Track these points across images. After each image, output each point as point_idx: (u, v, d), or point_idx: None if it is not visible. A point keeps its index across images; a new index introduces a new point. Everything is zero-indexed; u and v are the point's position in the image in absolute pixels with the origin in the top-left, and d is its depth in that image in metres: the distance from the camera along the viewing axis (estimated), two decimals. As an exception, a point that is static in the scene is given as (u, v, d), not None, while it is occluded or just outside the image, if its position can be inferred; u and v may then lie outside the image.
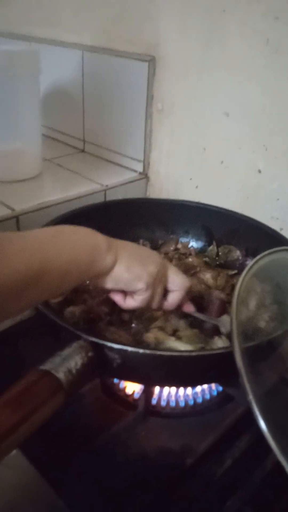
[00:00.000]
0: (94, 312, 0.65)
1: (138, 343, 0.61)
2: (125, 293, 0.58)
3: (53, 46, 1.16)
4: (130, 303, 0.58)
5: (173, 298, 0.60)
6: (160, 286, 0.58)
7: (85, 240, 0.50)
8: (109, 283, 0.54)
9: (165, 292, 0.60)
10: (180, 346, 0.60)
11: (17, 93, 0.94)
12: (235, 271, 0.77)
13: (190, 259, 0.78)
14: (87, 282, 0.62)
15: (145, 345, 0.60)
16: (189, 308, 0.64)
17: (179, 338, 0.62)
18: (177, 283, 0.60)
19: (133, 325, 0.65)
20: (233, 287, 0.71)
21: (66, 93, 1.19)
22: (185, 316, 0.65)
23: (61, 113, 1.24)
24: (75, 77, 1.14)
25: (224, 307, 0.66)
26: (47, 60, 1.06)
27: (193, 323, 0.65)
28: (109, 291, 0.58)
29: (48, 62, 1.08)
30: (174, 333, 0.64)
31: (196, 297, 0.67)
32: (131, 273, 0.53)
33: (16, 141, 0.99)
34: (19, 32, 1.29)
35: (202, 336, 0.63)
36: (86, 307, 0.66)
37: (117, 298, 0.59)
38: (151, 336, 0.62)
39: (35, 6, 1.21)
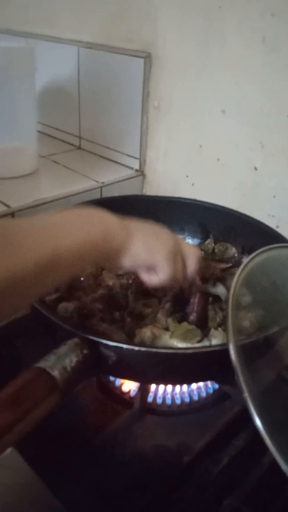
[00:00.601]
0: (87, 308, 0.65)
1: (131, 339, 0.61)
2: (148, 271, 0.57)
3: (49, 42, 1.16)
4: (154, 280, 0.57)
5: (189, 268, 0.59)
6: (179, 259, 0.57)
7: (95, 219, 0.49)
8: (127, 262, 0.53)
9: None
10: (177, 343, 0.60)
11: (12, 90, 0.93)
12: (228, 265, 0.77)
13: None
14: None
15: (141, 342, 0.59)
16: (197, 282, 0.65)
17: (174, 335, 0.62)
18: (191, 253, 0.59)
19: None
20: (217, 280, 0.71)
21: (62, 90, 1.18)
22: (172, 313, 0.65)
23: (57, 110, 1.23)
24: (71, 73, 1.13)
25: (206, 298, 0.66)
26: (43, 56, 1.06)
27: (180, 319, 0.65)
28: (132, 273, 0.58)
29: (44, 59, 1.08)
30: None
31: (177, 292, 0.67)
32: (147, 248, 0.53)
33: (12, 138, 0.99)
34: (16, 29, 1.29)
35: (195, 330, 0.62)
36: (80, 303, 0.65)
37: (142, 275, 0.57)
38: (147, 331, 0.61)
39: (33, 5, 1.21)
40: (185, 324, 0.62)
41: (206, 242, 0.82)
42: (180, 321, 0.64)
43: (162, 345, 0.60)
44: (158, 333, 0.61)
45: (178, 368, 0.54)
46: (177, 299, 0.66)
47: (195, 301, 0.65)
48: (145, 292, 0.68)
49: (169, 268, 0.55)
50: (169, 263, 0.55)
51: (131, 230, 0.52)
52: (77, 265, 0.46)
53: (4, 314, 0.40)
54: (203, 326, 0.63)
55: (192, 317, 0.64)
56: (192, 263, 0.59)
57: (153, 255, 0.54)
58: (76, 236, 0.45)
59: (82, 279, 0.70)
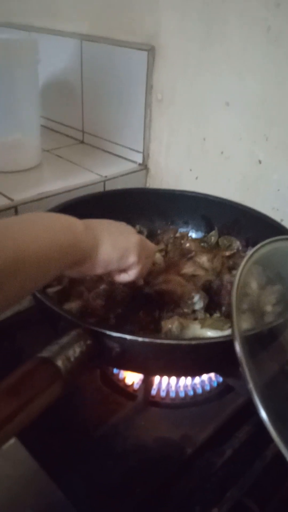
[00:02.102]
0: (90, 306, 0.64)
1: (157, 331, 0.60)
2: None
3: (52, 35, 1.15)
4: (124, 277, 0.56)
5: (147, 265, 0.59)
6: (144, 254, 0.56)
7: (59, 222, 0.47)
8: (99, 268, 0.51)
9: None
10: (208, 333, 0.59)
11: (15, 83, 0.93)
12: (233, 251, 0.76)
13: (187, 244, 0.77)
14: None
15: (168, 333, 0.59)
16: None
17: (205, 325, 0.61)
18: (151, 249, 0.59)
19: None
20: (229, 269, 0.71)
21: (65, 84, 1.18)
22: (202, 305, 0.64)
23: (60, 104, 1.23)
24: (74, 67, 1.13)
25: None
26: (46, 49, 1.04)
27: (208, 308, 0.64)
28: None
29: (47, 52, 1.07)
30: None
31: (205, 284, 0.66)
32: (118, 250, 0.52)
33: (15, 132, 0.98)
34: (18, 22, 1.28)
35: (224, 319, 0.62)
36: (83, 302, 0.65)
37: (112, 277, 0.57)
38: (174, 321, 0.60)
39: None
40: (215, 316, 0.63)
41: (210, 234, 0.82)
42: (208, 312, 0.63)
43: (191, 335, 0.59)
44: (186, 323, 0.61)
45: (182, 360, 0.54)
46: (204, 290, 0.65)
47: (227, 291, 0.64)
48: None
49: (139, 266, 0.55)
50: (140, 262, 0.55)
51: (97, 231, 0.50)
52: (42, 271, 0.43)
53: None
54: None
55: (225, 308, 0.63)
56: (149, 262, 0.60)
57: (126, 259, 0.53)
58: (42, 239, 0.43)
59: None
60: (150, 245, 0.60)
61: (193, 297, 0.63)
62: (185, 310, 0.62)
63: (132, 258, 0.53)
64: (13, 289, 0.40)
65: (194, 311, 0.62)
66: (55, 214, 0.49)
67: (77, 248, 0.47)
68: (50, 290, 0.66)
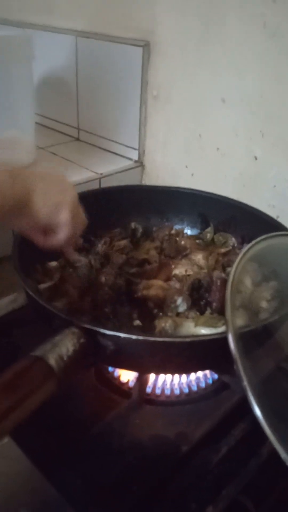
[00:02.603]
0: (76, 305, 0.64)
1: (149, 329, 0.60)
2: (44, 232, 0.52)
3: (47, 32, 1.15)
4: (53, 240, 0.52)
5: (78, 229, 0.54)
6: (79, 213, 0.52)
7: None
8: (26, 219, 0.48)
9: None
10: (203, 331, 0.59)
11: (10, 80, 0.92)
12: (228, 248, 0.76)
13: (182, 242, 0.77)
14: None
15: (161, 331, 0.58)
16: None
17: (198, 323, 0.60)
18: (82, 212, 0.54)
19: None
20: (223, 266, 0.71)
21: (60, 81, 1.17)
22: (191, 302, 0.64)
23: (55, 101, 1.22)
24: (69, 64, 1.12)
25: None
26: (41, 46, 1.04)
27: (201, 308, 0.64)
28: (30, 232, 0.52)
29: (42, 49, 1.07)
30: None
31: (195, 282, 0.66)
32: (50, 203, 0.48)
33: (9, 129, 0.98)
34: (13, 18, 1.27)
35: (218, 316, 0.61)
36: (69, 299, 0.64)
37: (37, 238, 0.52)
38: (168, 320, 0.60)
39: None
40: (207, 313, 0.62)
41: (206, 230, 0.81)
42: (199, 310, 0.63)
43: (185, 333, 0.59)
44: (179, 321, 0.60)
45: (177, 357, 0.53)
46: (194, 287, 0.65)
47: (217, 288, 0.64)
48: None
49: (71, 226, 0.50)
50: (72, 221, 0.50)
51: (29, 182, 0.47)
52: None
53: None
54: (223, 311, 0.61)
55: (215, 304, 0.63)
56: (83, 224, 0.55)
57: (56, 212, 0.49)
58: None
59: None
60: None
61: (175, 300, 0.63)
62: (169, 314, 0.62)
63: (64, 215, 0.49)
64: None
65: (178, 314, 0.62)
66: None
67: (6, 206, 0.45)
68: (42, 286, 0.65)
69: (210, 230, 0.81)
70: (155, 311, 0.63)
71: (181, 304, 0.63)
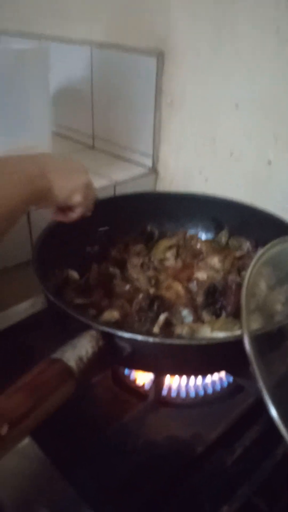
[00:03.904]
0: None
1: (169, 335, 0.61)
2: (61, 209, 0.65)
3: (63, 43, 1.17)
4: (72, 216, 0.65)
5: (90, 204, 0.67)
6: (91, 191, 0.65)
7: (21, 174, 0.55)
8: (47, 202, 0.59)
9: None
10: (220, 335, 0.60)
11: (27, 91, 0.94)
12: (243, 252, 0.77)
13: (198, 245, 0.78)
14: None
15: (178, 336, 0.60)
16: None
17: (215, 328, 0.62)
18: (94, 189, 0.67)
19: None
20: (239, 270, 0.71)
21: (76, 90, 1.20)
22: (205, 306, 0.65)
23: (71, 110, 1.25)
24: (84, 73, 1.14)
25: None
26: (57, 57, 1.06)
27: (215, 311, 0.65)
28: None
29: (58, 59, 1.09)
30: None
31: (210, 286, 0.67)
32: (67, 189, 0.59)
33: (27, 138, 1.00)
34: (29, 30, 1.30)
35: (234, 320, 0.62)
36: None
37: (60, 217, 0.66)
38: (185, 327, 0.62)
39: (45, 4, 1.22)
40: (223, 317, 0.63)
41: (220, 234, 0.82)
42: (215, 313, 0.64)
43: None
44: (196, 327, 0.62)
45: (192, 360, 0.54)
46: (210, 291, 0.66)
47: (232, 292, 0.65)
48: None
49: (84, 205, 0.63)
50: (85, 200, 0.63)
51: (51, 176, 0.57)
52: (11, 220, 0.54)
53: None
54: (238, 314, 0.62)
55: (230, 308, 0.64)
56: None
57: (72, 195, 0.60)
58: (10, 197, 0.52)
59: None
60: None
61: (181, 311, 0.65)
62: (174, 321, 0.63)
63: (78, 197, 0.61)
64: None
65: (182, 323, 0.63)
66: (14, 161, 0.56)
67: (35, 195, 0.56)
68: (77, 301, 0.67)
69: (224, 234, 0.82)
70: (163, 315, 0.64)
71: (186, 315, 0.65)
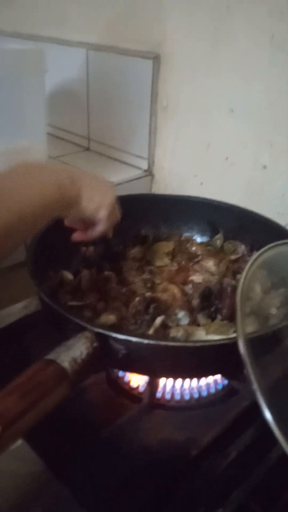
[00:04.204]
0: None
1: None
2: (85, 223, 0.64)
3: (59, 45, 1.17)
4: (93, 232, 0.64)
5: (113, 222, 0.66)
6: (116, 209, 0.64)
7: (50, 180, 0.55)
8: (74, 214, 0.60)
9: None
10: (215, 338, 0.60)
11: (22, 92, 0.94)
12: (238, 255, 0.77)
13: (193, 248, 0.78)
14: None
15: (173, 339, 0.60)
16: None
17: (210, 331, 0.62)
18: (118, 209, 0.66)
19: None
20: (234, 273, 0.72)
21: (71, 92, 1.20)
22: (201, 309, 0.66)
23: (67, 112, 1.25)
24: (80, 75, 1.15)
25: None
26: (53, 59, 1.06)
27: (210, 314, 0.65)
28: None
29: (54, 61, 1.09)
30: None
31: (206, 289, 0.67)
32: (93, 203, 0.59)
33: (22, 139, 1.00)
34: (25, 32, 1.31)
35: (229, 323, 0.63)
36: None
37: (81, 236, 0.66)
38: (180, 329, 0.62)
39: (41, 6, 1.23)
40: (218, 320, 0.63)
41: (215, 237, 0.82)
42: (210, 316, 0.64)
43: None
44: (191, 330, 0.62)
45: (187, 362, 0.54)
46: (205, 294, 0.66)
47: (227, 295, 0.65)
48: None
49: (107, 223, 0.63)
50: (109, 218, 0.62)
51: (81, 186, 0.57)
52: (36, 225, 0.54)
53: None
54: (233, 318, 0.62)
55: (225, 311, 0.64)
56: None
57: (97, 211, 0.60)
58: (37, 201, 0.52)
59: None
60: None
61: (177, 314, 0.64)
62: (170, 324, 0.63)
63: (103, 213, 0.61)
64: (15, 241, 0.51)
65: (178, 325, 0.63)
66: (45, 168, 0.57)
67: (63, 202, 0.56)
68: (71, 303, 0.66)
69: (219, 237, 0.82)
70: (160, 318, 0.64)
71: (182, 317, 0.65)
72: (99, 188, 0.60)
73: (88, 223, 0.63)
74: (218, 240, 0.82)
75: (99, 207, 0.60)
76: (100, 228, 0.63)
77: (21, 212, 0.49)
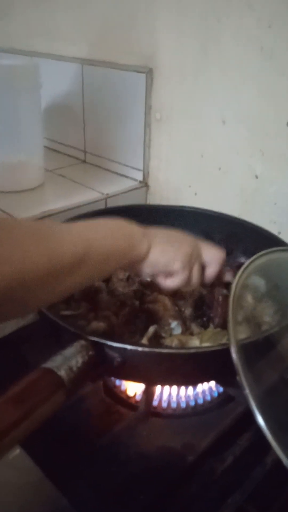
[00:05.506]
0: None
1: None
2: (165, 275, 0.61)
3: (54, 60, 1.20)
4: (170, 283, 0.61)
5: (210, 272, 0.64)
6: (196, 264, 0.61)
7: (122, 227, 0.55)
8: (147, 268, 0.58)
9: (202, 268, 0.63)
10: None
11: (18, 107, 0.96)
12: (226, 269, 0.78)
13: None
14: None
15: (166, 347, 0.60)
16: (229, 276, 0.68)
17: (204, 340, 0.63)
18: (211, 257, 0.63)
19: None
20: (226, 284, 0.73)
21: (67, 106, 1.22)
22: (194, 318, 0.66)
23: (63, 125, 1.27)
24: (76, 89, 1.17)
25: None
26: (48, 73, 1.09)
27: (203, 323, 0.66)
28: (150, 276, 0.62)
29: (49, 76, 1.12)
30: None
31: (196, 298, 0.68)
32: (166, 256, 0.58)
33: (19, 153, 1.01)
34: (20, 47, 1.33)
35: (222, 331, 0.63)
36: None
37: (159, 279, 0.62)
38: (174, 339, 0.63)
39: (35, 21, 1.25)
40: (211, 328, 0.64)
41: None
42: (203, 325, 0.65)
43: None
44: (185, 339, 0.63)
45: (182, 368, 0.55)
46: (197, 304, 0.67)
47: (218, 304, 0.66)
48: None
49: (184, 274, 0.59)
50: (184, 270, 0.59)
51: (152, 239, 0.57)
52: (101, 268, 0.51)
53: (40, 301, 0.46)
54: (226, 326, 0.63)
55: (218, 320, 0.65)
56: (211, 269, 0.64)
57: (170, 263, 0.58)
58: (106, 240, 0.51)
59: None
60: (213, 255, 0.64)
61: (170, 323, 0.65)
62: (163, 334, 0.64)
63: (176, 266, 0.58)
64: (75, 280, 0.47)
65: (171, 335, 0.64)
66: (121, 222, 0.56)
67: (132, 254, 0.55)
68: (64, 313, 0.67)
69: None
70: (153, 327, 0.65)
71: (175, 327, 0.66)
72: (173, 241, 0.60)
73: (167, 275, 0.61)
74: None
75: (172, 260, 0.58)
76: (177, 280, 0.60)
77: (88, 247, 0.47)
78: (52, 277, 0.43)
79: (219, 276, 0.65)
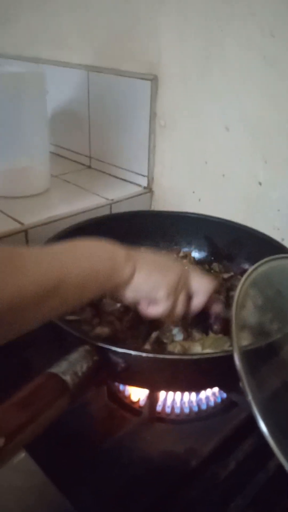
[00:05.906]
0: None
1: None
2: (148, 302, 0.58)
3: (59, 67, 1.21)
4: (152, 311, 0.58)
5: (196, 303, 0.61)
6: (182, 293, 0.58)
7: (102, 251, 0.51)
8: (129, 293, 0.54)
9: (189, 297, 0.61)
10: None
11: (25, 113, 0.97)
12: (230, 274, 0.79)
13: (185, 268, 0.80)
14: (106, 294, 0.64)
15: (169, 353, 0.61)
16: (217, 308, 0.65)
17: (205, 346, 0.63)
18: (199, 287, 0.61)
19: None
20: (227, 290, 0.73)
21: (73, 112, 1.23)
22: (195, 325, 0.67)
23: (68, 132, 1.28)
24: (81, 96, 1.18)
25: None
26: (54, 80, 1.10)
27: (204, 329, 0.67)
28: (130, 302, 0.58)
29: (55, 83, 1.13)
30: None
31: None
32: (150, 282, 0.55)
33: (25, 159, 1.03)
34: (26, 54, 1.34)
35: (223, 337, 0.64)
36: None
37: (141, 306, 0.59)
38: (177, 345, 0.63)
39: (41, 28, 1.27)
40: (212, 334, 0.65)
41: (214, 264, 0.85)
42: (204, 331, 0.66)
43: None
44: (187, 345, 0.63)
45: (185, 375, 0.56)
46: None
47: (218, 311, 0.66)
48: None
49: (168, 303, 0.57)
50: (169, 298, 0.56)
51: (137, 263, 0.54)
52: (78, 294, 0.48)
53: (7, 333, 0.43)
54: (227, 331, 0.64)
55: (217, 326, 0.65)
56: (198, 299, 0.61)
57: (155, 290, 0.55)
58: (83, 265, 0.48)
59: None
60: (202, 285, 0.61)
61: (171, 330, 0.65)
62: (165, 340, 0.64)
63: (160, 293, 0.55)
64: (50, 308, 0.45)
65: (173, 341, 0.65)
66: (102, 243, 0.52)
67: (113, 278, 0.52)
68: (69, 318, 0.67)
69: (215, 267, 0.84)
70: (155, 333, 0.65)
71: (177, 334, 0.66)
72: (159, 266, 0.57)
73: (151, 302, 0.58)
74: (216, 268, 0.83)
75: (156, 287, 0.55)
76: (160, 308, 0.57)
77: (63, 274, 0.44)
78: (16, 311, 0.40)
79: (207, 307, 0.63)
